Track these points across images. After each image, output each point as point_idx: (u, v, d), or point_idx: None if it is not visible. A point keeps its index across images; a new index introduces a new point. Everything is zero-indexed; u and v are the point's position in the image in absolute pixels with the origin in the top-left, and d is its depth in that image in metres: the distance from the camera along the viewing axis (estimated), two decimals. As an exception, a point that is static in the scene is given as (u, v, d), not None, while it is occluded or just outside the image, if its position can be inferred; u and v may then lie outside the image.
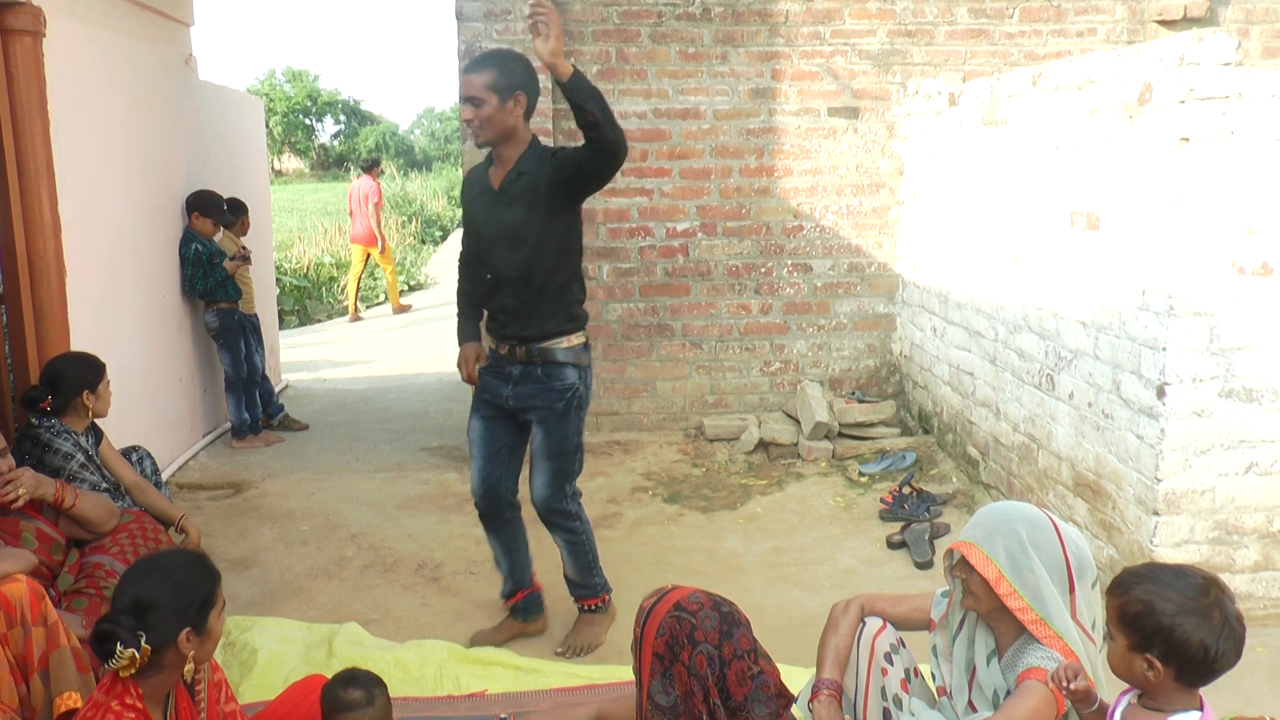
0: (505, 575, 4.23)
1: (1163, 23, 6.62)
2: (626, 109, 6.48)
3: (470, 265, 4.08)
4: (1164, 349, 3.91)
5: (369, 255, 13.32)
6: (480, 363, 4.00)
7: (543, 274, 3.80)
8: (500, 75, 3.64)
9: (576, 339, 3.90)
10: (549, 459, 3.92)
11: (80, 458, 4.13)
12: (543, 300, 3.82)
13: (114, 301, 5.52)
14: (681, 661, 2.14)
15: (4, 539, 3.41)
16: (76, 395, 4.18)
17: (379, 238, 12.93)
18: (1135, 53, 4.08)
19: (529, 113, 3.78)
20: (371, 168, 13.55)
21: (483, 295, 4.00)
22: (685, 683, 2.13)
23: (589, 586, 4.16)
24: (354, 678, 2.90)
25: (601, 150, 3.56)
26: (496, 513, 4.09)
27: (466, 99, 3.66)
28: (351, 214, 13.45)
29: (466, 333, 4.09)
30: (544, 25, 3.32)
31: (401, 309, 13.94)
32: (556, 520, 4.01)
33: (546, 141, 6.23)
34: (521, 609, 4.24)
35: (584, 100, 3.44)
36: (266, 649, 3.95)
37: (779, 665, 3.73)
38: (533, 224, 3.75)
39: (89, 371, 4.24)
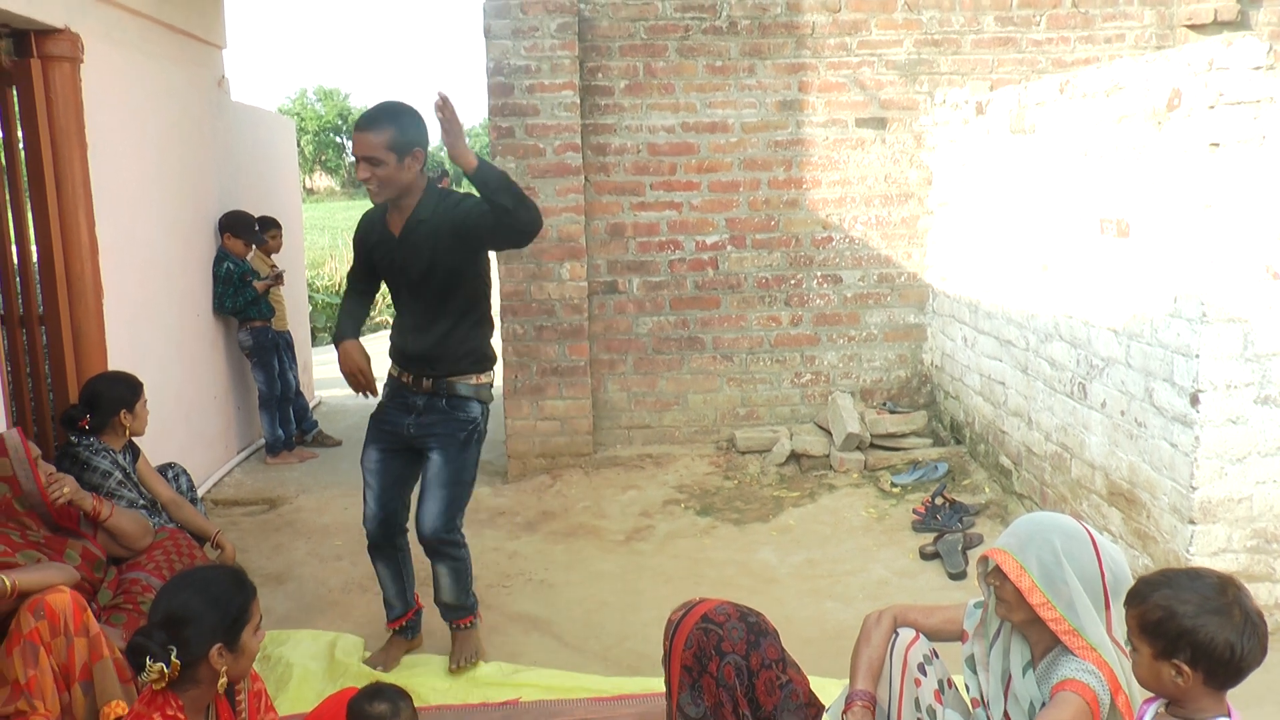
0: (394, 599, 4.19)
1: (1192, 27, 6.57)
2: (655, 123, 6.51)
3: (359, 294, 4.13)
4: (1197, 356, 3.88)
5: None
6: (368, 363, 3.94)
7: (449, 319, 3.82)
8: (397, 133, 3.58)
9: (484, 378, 3.94)
10: (444, 487, 3.88)
11: (118, 475, 4.19)
12: (450, 343, 3.84)
13: (149, 321, 5.60)
14: (710, 673, 2.15)
15: (51, 555, 3.47)
16: (114, 414, 4.24)
17: None
18: (1163, 58, 4.07)
19: (424, 166, 3.75)
20: (442, 178, 13.88)
21: (363, 319, 4.14)
22: (714, 694, 2.13)
23: (465, 607, 4.11)
24: (379, 691, 2.94)
25: (514, 231, 3.59)
26: (389, 540, 4.08)
27: (364, 159, 3.58)
28: None
29: (347, 331, 4.01)
30: (449, 124, 3.41)
31: None
32: (445, 550, 3.95)
33: (571, 156, 6.28)
34: (410, 627, 4.24)
35: (493, 194, 3.48)
36: (300, 664, 4.00)
37: (812, 677, 3.73)
38: (436, 272, 3.74)
39: (126, 391, 4.30)
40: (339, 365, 3.95)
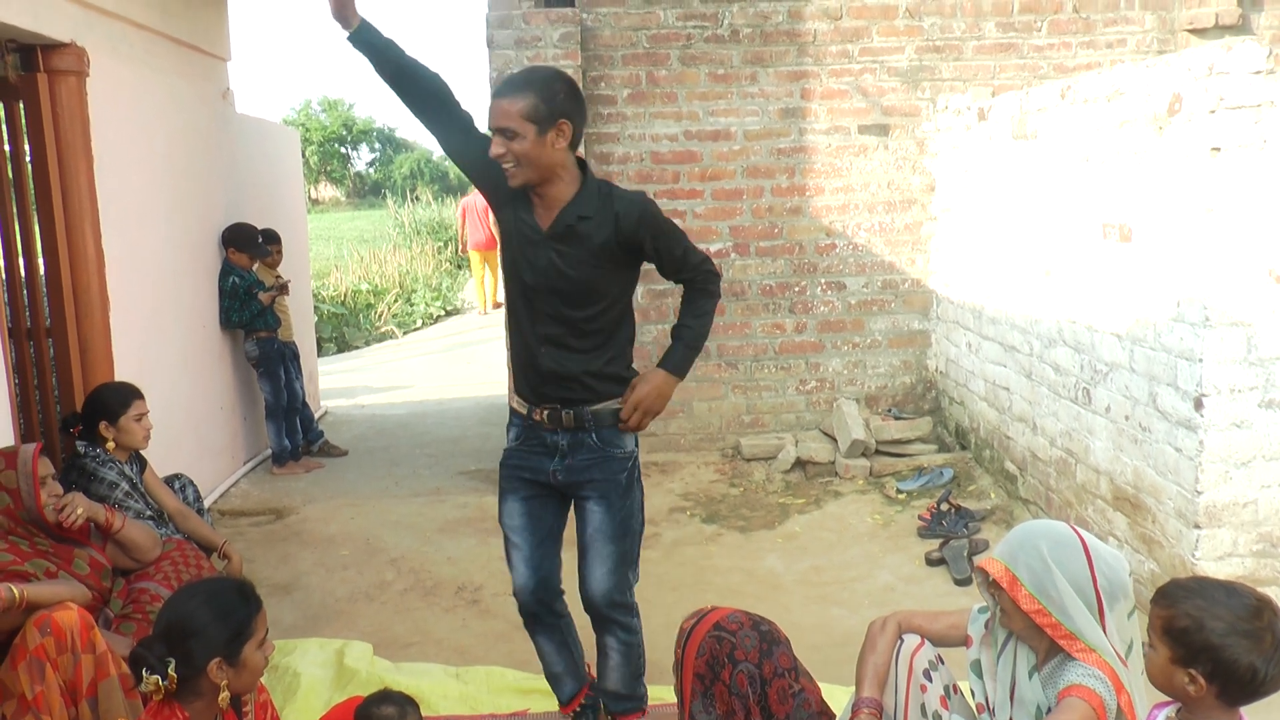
0: (565, 675, 3.51)
1: (1193, 31, 6.58)
2: (658, 131, 6.53)
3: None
4: (1200, 360, 3.89)
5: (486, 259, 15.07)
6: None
7: (601, 333, 3.19)
8: (539, 100, 2.96)
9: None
10: (613, 542, 3.24)
11: (125, 486, 4.21)
12: (596, 358, 3.20)
13: (156, 333, 5.62)
14: (722, 681, 2.15)
15: (59, 564, 3.49)
16: (95, 424, 4.25)
17: (497, 240, 14.05)
18: (1164, 63, 4.08)
19: (575, 143, 3.09)
20: None
21: (413, 68, 3.21)
22: (726, 702, 2.14)
23: (635, 698, 3.45)
24: (387, 696, 2.95)
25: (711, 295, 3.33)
26: (549, 608, 3.41)
27: (498, 130, 2.99)
28: (464, 224, 15.63)
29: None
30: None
31: (498, 305, 14.96)
32: (617, 617, 3.32)
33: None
34: (590, 708, 3.55)
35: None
36: (308, 672, 4.01)
37: (820, 684, 3.73)
38: (595, 279, 3.12)
39: (112, 400, 4.27)
40: None
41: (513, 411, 3.37)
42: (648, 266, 3.29)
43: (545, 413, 3.23)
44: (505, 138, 2.97)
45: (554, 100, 2.98)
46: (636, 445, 3.36)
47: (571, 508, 3.40)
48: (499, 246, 3.36)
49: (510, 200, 3.16)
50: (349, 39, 3.14)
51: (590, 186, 3.11)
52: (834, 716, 2.33)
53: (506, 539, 3.37)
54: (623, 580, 3.29)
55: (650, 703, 3.56)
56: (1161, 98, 4.07)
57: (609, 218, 3.07)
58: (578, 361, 3.18)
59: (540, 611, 3.41)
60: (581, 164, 3.16)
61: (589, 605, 3.31)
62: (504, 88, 3.02)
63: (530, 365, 3.23)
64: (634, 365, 3.36)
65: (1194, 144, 3.87)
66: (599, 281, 3.13)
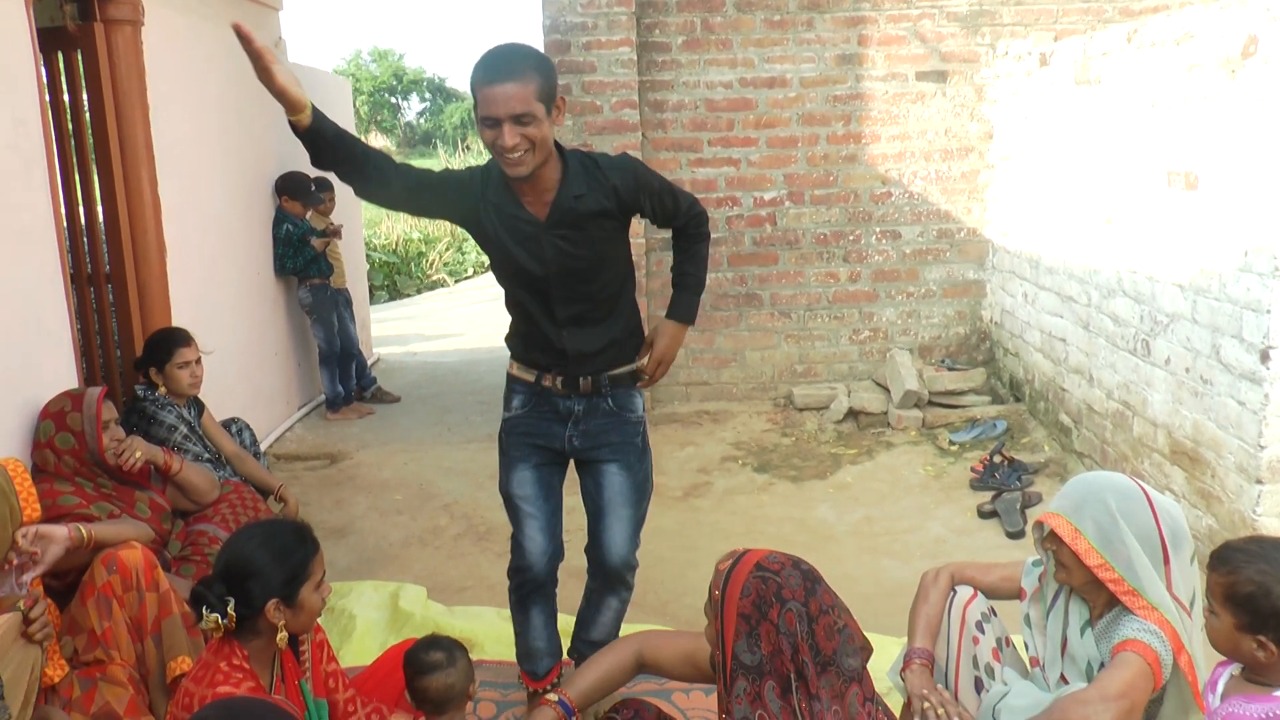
0: (545, 650, 3.41)
1: (1267, -27, 6.37)
2: (713, 79, 6.46)
3: (384, 162, 3.24)
4: (1268, 311, 3.80)
5: None
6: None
7: (611, 300, 3.15)
8: (544, 80, 2.78)
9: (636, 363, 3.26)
10: (631, 507, 3.23)
11: (183, 429, 4.28)
12: (614, 325, 3.17)
13: (212, 280, 5.68)
14: (770, 620, 2.15)
15: (122, 507, 3.56)
16: (147, 370, 4.32)
17: None
18: (1238, 4, 3.94)
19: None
20: None
21: (349, 151, 3.23)
22: (774, 641, 2.14)
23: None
24: (434, 642, 2.98)
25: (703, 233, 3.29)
26: (553, 578, 3.37)
27: (512, 119, 2.74)
28: None
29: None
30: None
31: None
32: (627, 579, 3.34)
33: (628, 113, 6.24)
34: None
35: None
36: (363, 615, 4.07)
37: (870, 634, 3.73)
38: (603, 251, 3.06)
39: (159, 348, 4.33)
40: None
41: (515, 379, 3.27)
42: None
43: (558, 379, 3.15)
44: (521, 124, 2.74)
45: (552, 77, 2.83)
46: (644, 409, 3.32)
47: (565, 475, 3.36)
48: (485, 249, 3.17)
49: (482, 204, 2.99)
50: (295, 129, 2.97)
51: (573, 162, 2.96)
52: (873, 650, 2.34)
53: (518, 509, 3.27)
54: (636, 543, 3.30)
55: None
56: (1235, 40, 3.94)
57: (607, 191, 2.96)
58: (601, 333, 3.13)
59: (549, 581, 3.35)
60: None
61: (603, 567, 3.29)
62: (502, 71, 2.74)
63: (547, 348, 3.14)
64: (664, 310, 3.35)
65: (1269, 88, 3.75)
66: (607, 250, 3.07)
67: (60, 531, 2.98)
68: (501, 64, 2.76)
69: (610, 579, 3.32)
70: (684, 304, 3.29)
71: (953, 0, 6.44)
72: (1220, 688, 2.27)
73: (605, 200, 2.96)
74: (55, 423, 3.53)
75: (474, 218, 3.03)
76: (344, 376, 7.22)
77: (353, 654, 3.81)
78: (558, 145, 2.95)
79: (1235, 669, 2.27)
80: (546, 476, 3.27)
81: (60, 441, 3.51)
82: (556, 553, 3.31)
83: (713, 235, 6.46)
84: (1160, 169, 4.55)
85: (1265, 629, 2.12)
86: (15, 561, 2.82)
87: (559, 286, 3.04)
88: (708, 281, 3.50)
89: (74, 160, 4.72)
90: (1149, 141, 4.65)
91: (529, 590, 3.33)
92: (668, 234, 3.36)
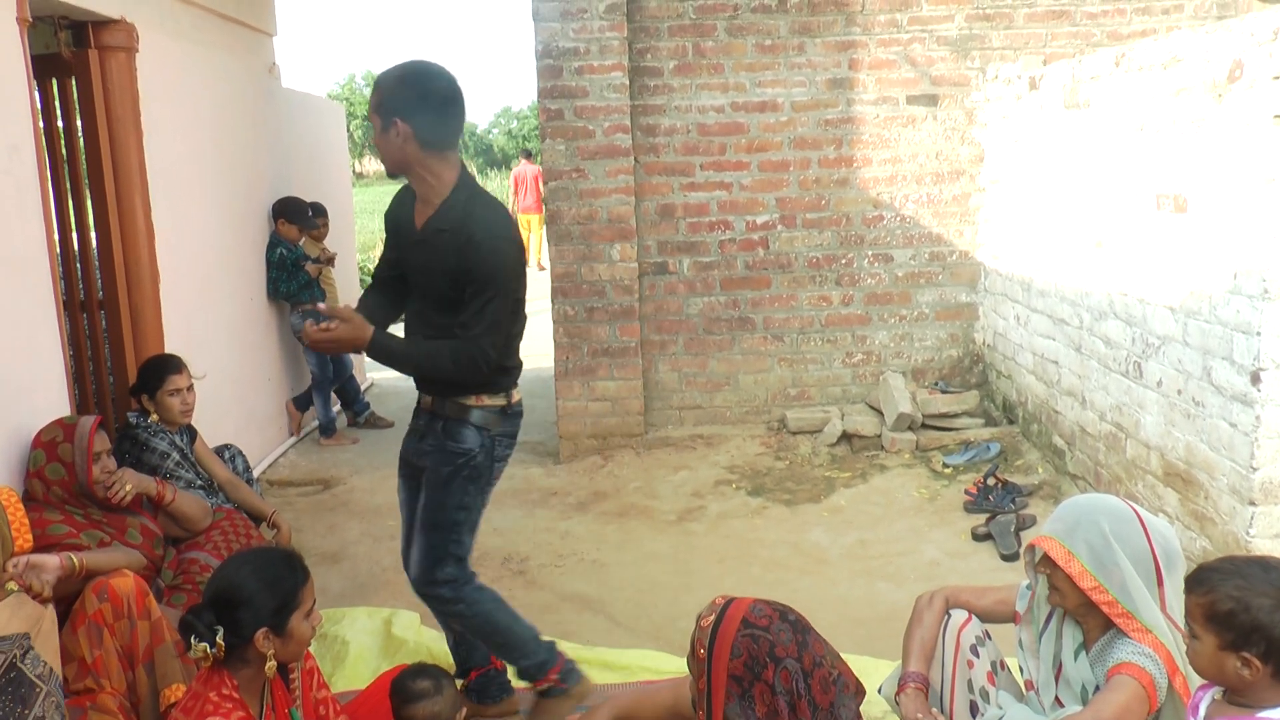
0: (451, 651, 3.62)
1: (1255, -4, 6.42)
2: (704, 103, 6.49)
3: (380, 286, 3.49)
4: (1258, 333, 3.81)
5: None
6: (338, 329, 3.11)
7: (453, 330, 3.17)
8: (383, 95, 3.07)
9: (490, 400, 3.29)
10: (423, 531, 3.30)
11: (175, 456, 4.27)
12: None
13: (205, 305, 5.68)
14: (765, 681, 2.09)
15: (113, 534, 3.55)
16: (139, 397, 4.33)
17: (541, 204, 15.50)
18: (1225, 29, 3.98)
19: (431, 145, 3.10)
20: (530, 155, 17.80)
21: (389, 313, 3.43)
22: (769, 702, 2.08)
23: (524, 670, 3.44)
24: (422, 669, 2.98)
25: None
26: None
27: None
28: (516, 192, 17.65)
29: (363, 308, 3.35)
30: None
31: (541, 269, 15.47)
32: (432, 605, 3.38)
33: (620, 137, 6.26)
34: (474, 690, 3.55)
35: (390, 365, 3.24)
36: (356, 640, 4.05)
37: (865, 658, 3.73)
38: (449, 288, 3.14)
39: (149, 375, 4.34)
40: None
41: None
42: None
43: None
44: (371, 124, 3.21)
45: (394, 97, 3.12)
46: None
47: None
48: None
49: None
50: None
51: (456, 203, 3.18)
52: (865, 693, 2.29)
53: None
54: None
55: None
56: (1222, 64, 3.97)
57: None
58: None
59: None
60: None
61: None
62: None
63: None
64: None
65: (1255, 112, 3.78)
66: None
67: (52, 561, 2.97)
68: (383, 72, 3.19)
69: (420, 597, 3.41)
70: (388, 341, 3.20)
71: (943, 25, 6.48)
72: (1202, 712, 2.26)
73: (455, 243, 3.10)
74: (46, 453, 3.52)
75: (393, 230, 3.44)
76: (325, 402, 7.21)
77: (345, 680, 3.79)
78: (465, 183, 3.21)
79: (1217, 692, 2.25)
80: (413, 489, 3.46)
81: (51, 472, 3.50)
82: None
83: (706, 260, 6.52)
84: (1150, 192, 4.57)
85: (1248, 644, 2.12)
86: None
87: (417, 290, 3.36)
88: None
89: (67, 186, 4.72)
90: (1138, 165, 4.67)
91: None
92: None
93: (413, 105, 3.04)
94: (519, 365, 3.41)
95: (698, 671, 2.20)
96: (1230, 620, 2.14)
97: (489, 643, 3.43)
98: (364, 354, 3.19)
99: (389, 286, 3.43)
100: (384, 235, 3.45)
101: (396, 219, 3.33)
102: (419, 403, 3.41)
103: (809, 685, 2.09)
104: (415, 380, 3.37)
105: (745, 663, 2.11)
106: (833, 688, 2.12)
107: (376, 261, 3.45)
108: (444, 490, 3.27)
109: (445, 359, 3.14)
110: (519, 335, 3.36)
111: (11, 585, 2.73)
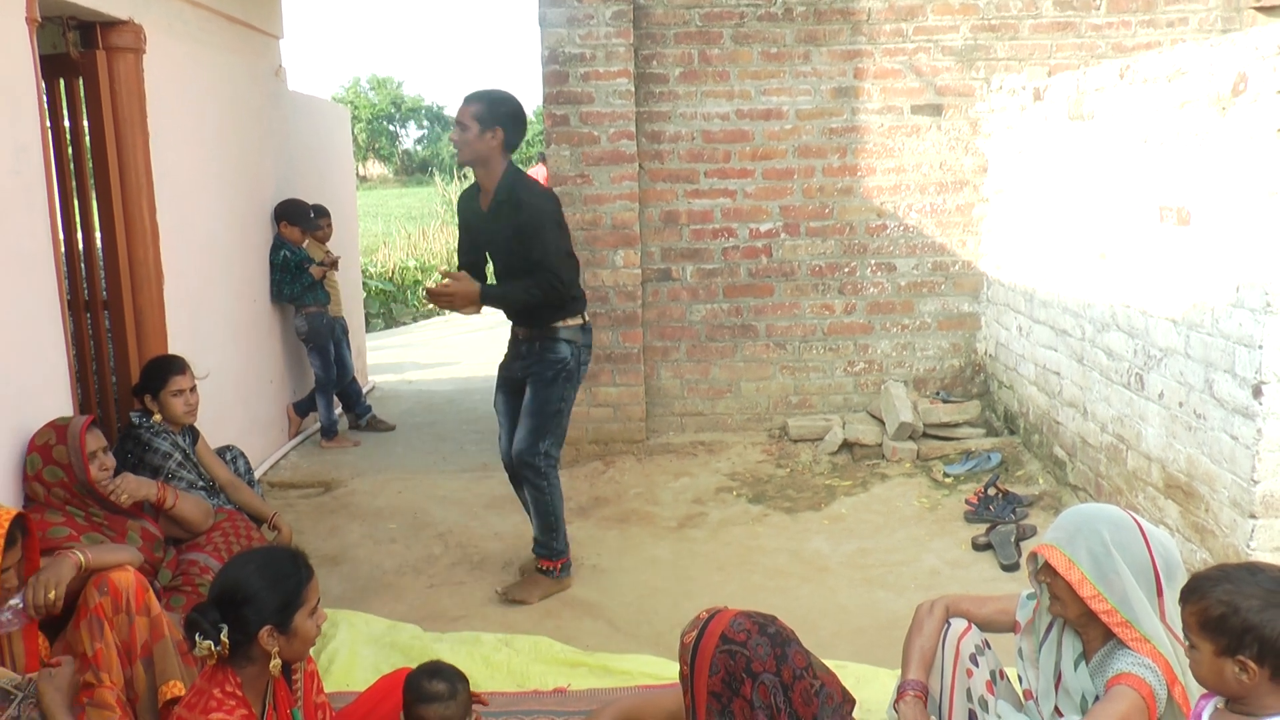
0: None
1: (1260, 9, 6.42)
2: (709, 110, 6.50)
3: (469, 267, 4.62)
4: (1260, 347, 3.81)
5: None
6: (452, 285, 4.35)
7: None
8: (488, 108, 4.30)
9: (572, 321, 4.51)
10: (530, 416, 4.50)
11: (178, 456, 4.28)
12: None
13: (208, 307, 5.69)
14: (743, 696, 2.08)
15: (113, 537, 3.56)
16: (142, 397, 4.33)
17: None
18: (1229, 42, 3.99)
19: (508, 147, 4.38)
20: (544, 159, 17.41)
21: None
22: (748, 717, 2.08)
23: (548, 548, 4.63)
24: (438, 670, 2.96)
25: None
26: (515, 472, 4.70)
27: (455, 122, 4.38)
28: None
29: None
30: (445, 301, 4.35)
31: None
32: (526, 474, 4.53)
33: (625, 143, 6.28)
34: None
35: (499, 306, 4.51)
36: (350, 645, 4.05)
37: (864, 666, 3.73)
38: (517, 243, 4.35)
39: (153, 375, 4.34)
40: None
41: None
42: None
43: None
44: (459, 129, 4.39)
45: (496, 110, 4.41)
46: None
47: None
48: None
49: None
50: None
51: (508, 179, 4.47)
52: (855, 702, 2.29)
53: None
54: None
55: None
56: (1226, 78, 3.98)
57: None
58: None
59: (511, 474, 4.76)
60: None
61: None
62: (467, 97, 4.43)
63: None
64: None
65: (1259, 125, 3.79)
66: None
67: (68, 566, 3.01)
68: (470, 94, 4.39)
69: (514, 468, 4.64)
70: (491, 289, 4.41)
71: (948, 35, 6.50)
72: (1203, 721, 2.27)
73: (510, 209, 4.39)
74: (41, 456, 3.53)
75: (467, 224, 4.80)
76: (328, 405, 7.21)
77: (334, 684, 3.77)
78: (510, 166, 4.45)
79: (1219, 702, 2.26)
80: (508, 399, 4.74)
81: (49, 475, 3.51)
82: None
83: (709, 267, 6.55)
84: (1153, 204, 4.58)
85: (1242, 648, 2.13)
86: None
87: (499, 257, 4.62)
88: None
89: (74, 186, 4.73)
90: (1142, 177, 4.68)
91: (510, 479, 4.80)
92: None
93: (507, 119, 4.33)
94: (584, 295, 4.62)
95: (684, 688, 2.21)
96: (1222, 625, 2.15)
97: (541, 519, 4.60)
98: (478, 305, 4.36)
99: (471, 269, 4.53)
100: (458, 233, 4.78)
101: (468, 210, 4.64)
102: (513, 334, 4.64)
103: (789, 699, 2.09)
104: (510, 315, 4.61)
105: (723, 679, 2.11)
106: (815, 700, 2.11)
107: (455, 252, 4.88)
108: (549, 389, 4.49)
109: (534, 289, 4.33)
110: (576, 271, 4.58)
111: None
